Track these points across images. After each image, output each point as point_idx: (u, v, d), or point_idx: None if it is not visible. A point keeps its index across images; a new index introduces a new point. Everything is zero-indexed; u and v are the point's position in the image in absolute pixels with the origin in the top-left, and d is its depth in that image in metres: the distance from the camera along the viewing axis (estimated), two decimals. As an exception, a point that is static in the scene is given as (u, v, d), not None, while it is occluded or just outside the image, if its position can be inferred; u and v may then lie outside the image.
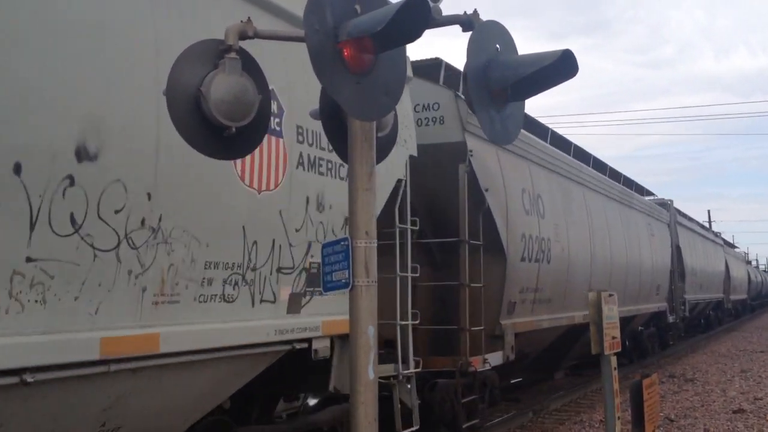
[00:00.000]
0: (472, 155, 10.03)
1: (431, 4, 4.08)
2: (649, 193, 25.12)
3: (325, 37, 3.80)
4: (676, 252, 24.88)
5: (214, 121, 4.02)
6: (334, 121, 4.53)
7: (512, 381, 14.50)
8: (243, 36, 4.16)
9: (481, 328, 9.98)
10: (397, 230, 8.08)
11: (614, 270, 16.28)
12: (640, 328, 21.96)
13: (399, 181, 8.16)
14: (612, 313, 6.27)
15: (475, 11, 4.42)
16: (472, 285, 9.92)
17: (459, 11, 4.46)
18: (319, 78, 3.82)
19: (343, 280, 4.33)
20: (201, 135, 4.07)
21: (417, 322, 8.33)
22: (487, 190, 10.30)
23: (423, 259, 9.60)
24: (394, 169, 8.01)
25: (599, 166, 18.47)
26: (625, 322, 16.96)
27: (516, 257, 10.83)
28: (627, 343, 19.63)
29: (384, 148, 4.87)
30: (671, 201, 26.00)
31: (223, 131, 4.08)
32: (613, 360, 6.35)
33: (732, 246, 56.41)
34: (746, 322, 45.72)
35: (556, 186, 13.50)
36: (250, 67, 4.22)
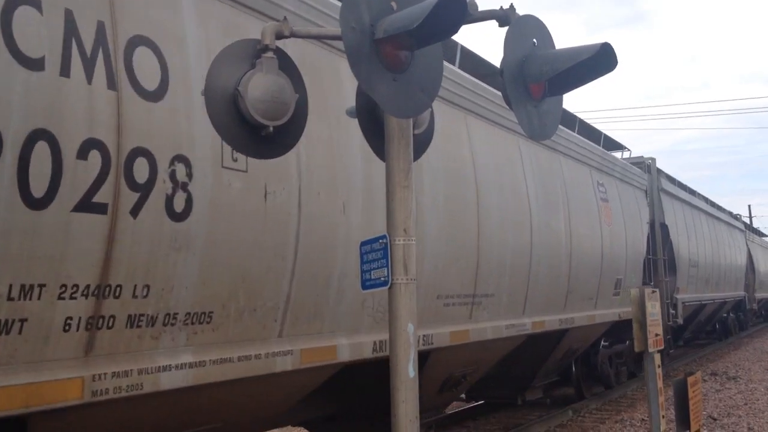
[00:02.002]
0: None
1: (467, -1, 4.05)
2: (617, 146, 17.14)
3: (361, 34, 3.80)
4: (661, 233, 17.59)
5: (251, 121, 4.05)
6: (371, 119, 4.53)
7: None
8: (279, 35, 4.18)
9: None
10: None
11: (497, 254, 8.63)
12: (603, 343, 14.60)
13: None
14: (655, 309, 6.18)
15: (512, 6, 4.39)
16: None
17: (495, 5, 4.43)
18: (355, 75, 3.82)
19: (382, 278, 4.32)
20: (239, 134, 4.09)
21: None
22: None
23: None
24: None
25: (474, 63, 9.64)
26: (545, 343, 11.08)
27: None
28: (573, 369, 13.92)
29: (420, 145, 4.85)
30: (653, 160, 18.06)
31: (260, 130, 4.10)
32: (657, 357, 6.27)
33: (760, 234, 45.32)
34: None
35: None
36: (287, 66, 4.23)
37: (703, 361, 21.11)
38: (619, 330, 14.28)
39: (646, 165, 17.73)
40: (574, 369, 13.81)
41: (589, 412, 12.94)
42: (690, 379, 6.52)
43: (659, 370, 6.23)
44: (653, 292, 6.25)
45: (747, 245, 31.65)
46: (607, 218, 12.88)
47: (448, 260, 7.62)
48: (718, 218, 26.22)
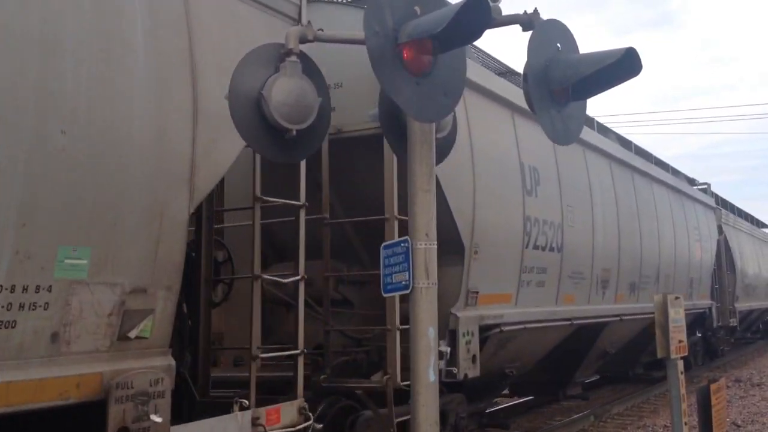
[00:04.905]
0: None
1: (491, 4, 4.06)
2: None
3: (385, 39, 3.81)
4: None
5: (275, 124, 4.08)
6: (394, 123, 4.54)
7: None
8: (303, 39, 4.20)
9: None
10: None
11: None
12: None
13: None
14: (678, 316, 6.14)
15: (536, 10, 4.38)
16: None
17: (519, 10, 4.43)
18: (379, 80, 3.84)
19: (403, 282, 4.33)
20: (262, 137, 4.12)
21: None
22: None
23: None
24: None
25: None
26: None
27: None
28: None
29: (443, 149, 4.86)
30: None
31: (284, 134, 4.13)
32: (680, 364, 6.22)
33: (761, 224, 30.13)
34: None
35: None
36: (311, 70, 4.26)
37: (727, 368, 20.86)
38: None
39: None
40: None
41: (611, 418, 12.83)
42: (713, 387, 6.47)
43: (682, 377, 6.19)
44: (676, 298, 6.20)
45: (721, 230, 20.42)
46: None
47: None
48: (646, 174, 14.35)
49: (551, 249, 9.61)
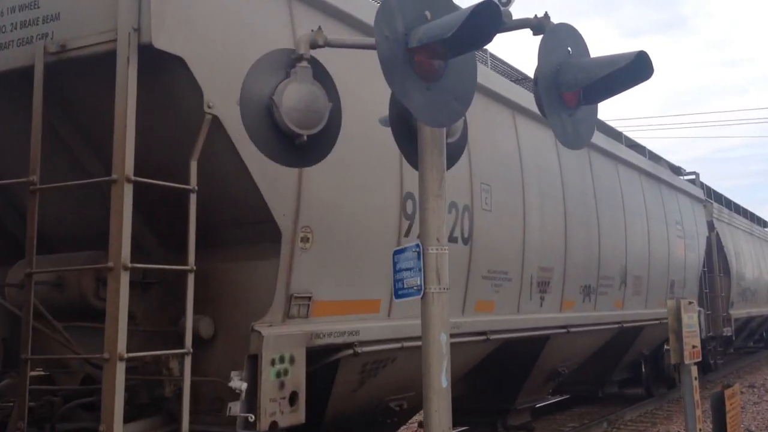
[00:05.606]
0: None
1: (501, 8, 4.05)
2: None
3: (395, 43, 3.81)
4: None
5: (285, 130, 4.08)
6: (404, 128, 4.53)
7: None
8: (314, 45, 4.21)
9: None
10: None
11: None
12: None
13: None
14: (692, 321, 6.11)
15: (546, 14, 4.37)
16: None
17: (529, 14, 4.42)
18: (389, 85, 3.83)
19: (415, 287, 4.32)
20: (273, 143, 4.12)
21: None
22: None
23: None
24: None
25: None
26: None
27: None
28: None
29: (454, 154, 4.85)
30: None
31: (294, 139, 4.13)
32: (694, 370, 6.18)
33: (764, 223, 27.78)
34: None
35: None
36: (321, 75, 4.26)
37: (741, 373, 20.72)
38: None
39: None
40: None
41: (624, 424, 12.76)
42: (727, 392, 6.42)
43: (696, 383, 6.15)
44: (690, 303, 6.17)
45: (713, 226, 17.65)
46: None
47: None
48: (610, 154, 11.47)
49: (453, 239, 6.89)
